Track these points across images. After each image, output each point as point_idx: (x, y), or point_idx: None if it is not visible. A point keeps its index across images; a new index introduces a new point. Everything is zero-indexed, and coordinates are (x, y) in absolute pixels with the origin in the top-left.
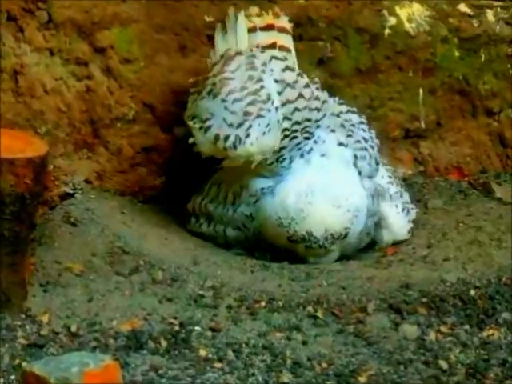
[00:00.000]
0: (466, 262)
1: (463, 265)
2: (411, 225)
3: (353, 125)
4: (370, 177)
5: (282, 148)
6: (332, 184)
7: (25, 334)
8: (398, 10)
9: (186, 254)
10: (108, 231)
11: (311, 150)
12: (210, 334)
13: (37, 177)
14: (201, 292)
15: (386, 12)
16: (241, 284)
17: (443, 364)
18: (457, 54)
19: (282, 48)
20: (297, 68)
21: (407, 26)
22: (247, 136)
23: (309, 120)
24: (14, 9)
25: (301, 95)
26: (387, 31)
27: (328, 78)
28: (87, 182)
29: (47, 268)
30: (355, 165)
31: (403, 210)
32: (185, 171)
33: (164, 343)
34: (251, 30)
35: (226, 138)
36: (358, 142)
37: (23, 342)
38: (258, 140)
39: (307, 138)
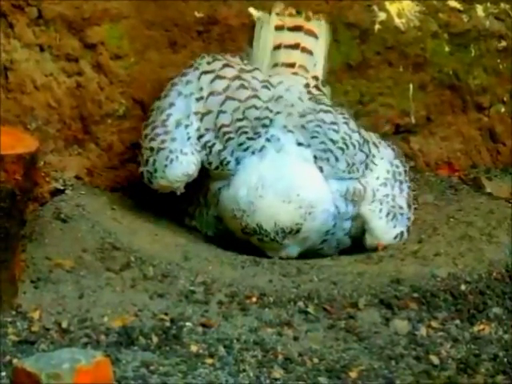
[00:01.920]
0: (456, 257)
1: (454, 260)
2: (400, 229)
3: (319, 125)
4: (342, 179)
5: (220, 150)
6: (283, 178)
7: (16, 330)
8: (387, 5)
9: (177, 250)
10: (98, 227)
11: (263, 147)
12: (201, 329)
13: (27, 173)
14: (192, 288)
15: (376, 7)
16: (232, 280)
17: (434, 359)
18: (447, 49)
19: (304, 49)
20: (316, 70)
21: (397, 21)
22: (155, 171)
23: (241, 120)
24: (4, 5)
25: (229, 98)
26: (377, 26)
27: None
28: (77, 178)
29: (38, 264)
30: (316, 164)
31: (388, 214)
32: None
33: (155, 339)
34: (278, 28)
35: (142, 174)
36: (323, 143)
37: (14, 339)
38: (164, 173)
39: (250, 139)
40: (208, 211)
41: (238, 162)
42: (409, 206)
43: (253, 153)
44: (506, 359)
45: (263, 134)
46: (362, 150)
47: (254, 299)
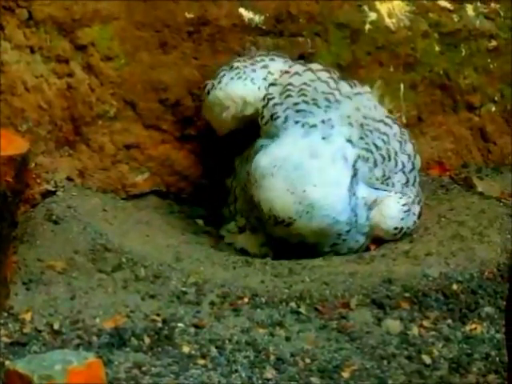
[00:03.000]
0: (448, 256)
1: (445, 259)
2: (402, 226)
3: (370, 131)
4: (374, 188)
5: (275, 104)
6: (302, 168)
7: (7, 332)
8: (378, 5)
9: (169, 251)
10: (90, 229)
11: (314, 126)
12: (193, 330)
13: (18, 175)
14: (183, 289)
15: (366, 7)
16: (223, 280)
17: (426, 359)
18: (437, 48)
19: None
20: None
21: (388, 21)
22: (219, 82)
23: (308, 85)
24: None
25: (310, 70)
26: (368, 26)
27: None
28: (69, 179)
29: (29, 266)
30: (354, 165)
31: (404, 204)
32: (170, 168)
33: (147, 340)
34: None
35: (205, 86)
36: (366, 144)
37: (6, 341)
38: (226, 85)
39: (306, 102)
40: (246, 165)
41: (285, 120)
42: (419, 216)
43: (302, 125)
44: (497, 358)
45: (323, 112)
46: (404, 173)
47: (246, 300)
